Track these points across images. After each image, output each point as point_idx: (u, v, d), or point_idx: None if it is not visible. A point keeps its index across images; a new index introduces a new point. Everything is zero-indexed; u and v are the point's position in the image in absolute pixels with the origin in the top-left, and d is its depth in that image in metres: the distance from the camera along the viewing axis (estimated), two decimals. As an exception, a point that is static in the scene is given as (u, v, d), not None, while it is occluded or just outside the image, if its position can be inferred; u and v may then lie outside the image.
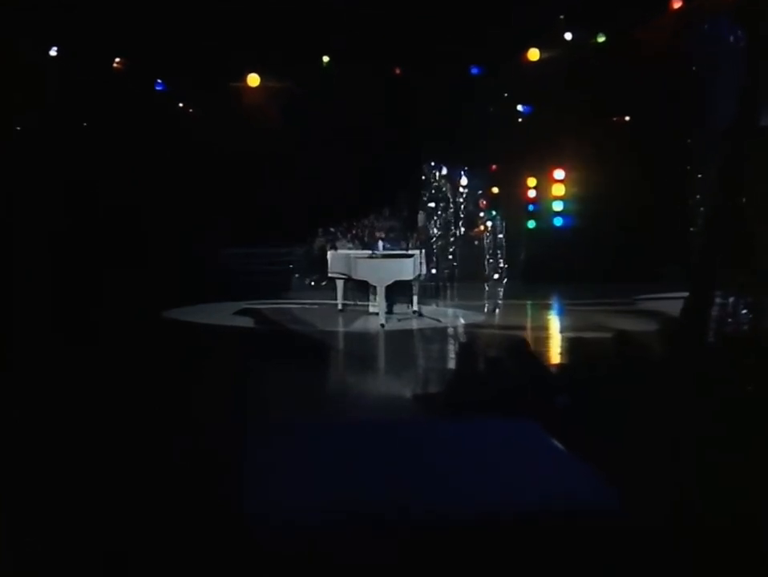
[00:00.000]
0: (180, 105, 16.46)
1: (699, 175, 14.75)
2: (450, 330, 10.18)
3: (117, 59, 14.92)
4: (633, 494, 2.79)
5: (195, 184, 15.19)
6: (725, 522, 2.81)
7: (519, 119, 16.22)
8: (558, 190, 16.20)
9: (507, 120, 15.84)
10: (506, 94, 16.07)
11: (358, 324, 10.39)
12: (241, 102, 15.74)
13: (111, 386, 5.75)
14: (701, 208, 13.91)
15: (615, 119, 15.73)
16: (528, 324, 10.89)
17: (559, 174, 16.12)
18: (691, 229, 13.86)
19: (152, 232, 14.72)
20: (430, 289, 12.26)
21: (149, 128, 14.77)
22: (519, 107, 16.18)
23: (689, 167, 14.85)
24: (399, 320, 10.33)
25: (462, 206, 16.61)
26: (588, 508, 2.75)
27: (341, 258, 11.20)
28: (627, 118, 15.75)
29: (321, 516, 2.73)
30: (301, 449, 3.50)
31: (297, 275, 16.34)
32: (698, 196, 14.49)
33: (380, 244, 11.12)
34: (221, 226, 15.19)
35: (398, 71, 15.93)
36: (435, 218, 16.37)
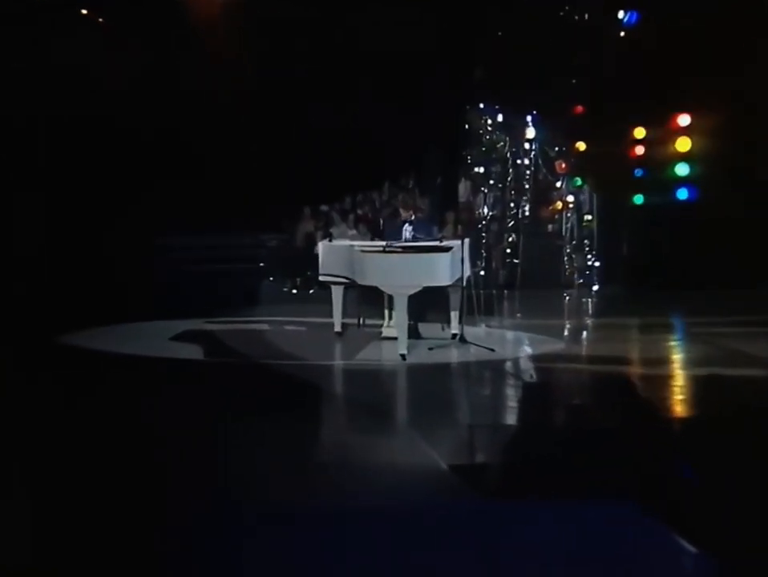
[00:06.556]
0: (84, 13, 16.67)
1: None
2: (510, 365, 10.20)
3: None
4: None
5: (115, 142, 15.40)
6: None
7: (621, 33, 16.24)
8: (683, 145, 16.17)
9: (601, 36, 15.88)
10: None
11: (367, 355, 10.43)
12: (188, 17, 15.96)
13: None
14: None
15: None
16: (633, 356, 10.91)
17: (683, 119, 16.10)
18: None
19: (48, 213, 14.95)
20: (479, 301, 12.25)
21: (32, 50, 14.95)
22: (621, 14, 16.21)
23: None
24: (430, 348, 10.36)
25: (529, 171, 16.71)
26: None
27: (339, 252, 11.24)
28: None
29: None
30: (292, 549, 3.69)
31: (270, 277, 16.55)
32: None
33: (405, 228, 11.20)
34: (155, 204, 15.36)
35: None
36: (486, 190, 16.50)
